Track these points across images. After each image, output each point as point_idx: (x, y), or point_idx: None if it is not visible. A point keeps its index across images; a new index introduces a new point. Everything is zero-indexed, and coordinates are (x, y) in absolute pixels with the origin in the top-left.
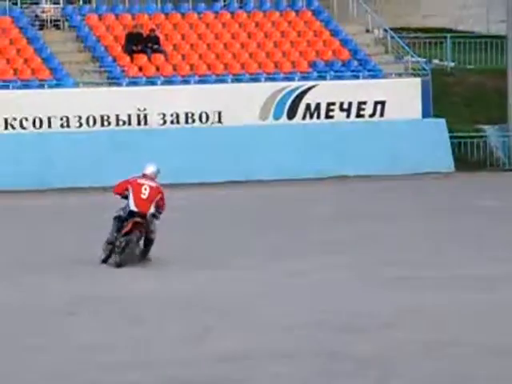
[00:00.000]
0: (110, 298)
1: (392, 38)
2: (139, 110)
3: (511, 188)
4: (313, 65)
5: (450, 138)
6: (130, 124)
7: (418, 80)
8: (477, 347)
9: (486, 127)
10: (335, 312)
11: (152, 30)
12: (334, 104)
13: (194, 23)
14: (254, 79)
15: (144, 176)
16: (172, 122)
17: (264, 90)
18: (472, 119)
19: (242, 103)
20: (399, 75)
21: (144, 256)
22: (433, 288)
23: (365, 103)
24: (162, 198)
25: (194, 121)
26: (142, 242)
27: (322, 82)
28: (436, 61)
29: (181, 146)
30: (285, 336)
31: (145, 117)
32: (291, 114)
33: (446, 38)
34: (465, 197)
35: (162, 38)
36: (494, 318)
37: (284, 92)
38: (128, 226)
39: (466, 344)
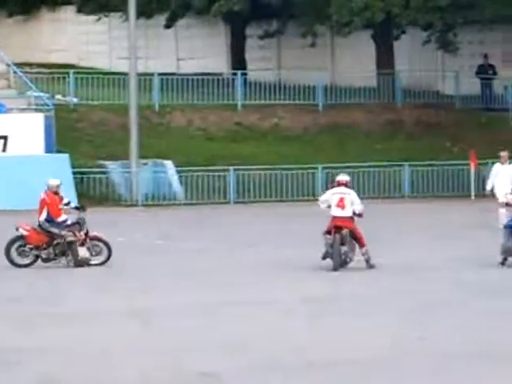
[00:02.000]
0: None
1: (14, 72)
2: None
3: (130, 223)
4: None
5: (74, 173)
6: None
7: (41, 115)
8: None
9: (108, 163)
10: None
11: None
12: None
13: None
14: None
15: None
16: None
17: None
18: (95, 155)
19: None
20: (22, 110)
21: (75, 263)
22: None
23: None
24: (49, 207)
25: None
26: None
27: None
28: (59, 96)
29: None
30: None
31: None
32: None
33: (68, 73)
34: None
35: None
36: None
37: None
38: None
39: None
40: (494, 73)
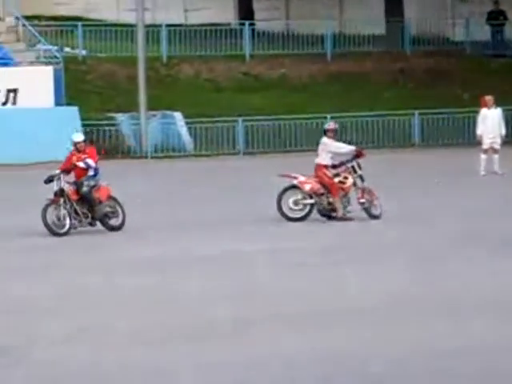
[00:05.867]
0: None
1: (24, 25)
2: None
3: (143, 174)
4: None
5: (83, 125)
6: None
7: (50, 68)
8: None
9: (117, 115)
10: None
11: None
12: None
13: None
14: None
15: None
16: None
17: None
18: (104, 107)
19: None
20: (31, 63)
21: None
22: None
23: None
24: None
25: None
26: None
27: None
28: (68, 49)
29: None
30: None
31: None
32: None
33: (77, 26)
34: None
35: None
36: None
37: None
38: None
39: None
40: (505, 18)
